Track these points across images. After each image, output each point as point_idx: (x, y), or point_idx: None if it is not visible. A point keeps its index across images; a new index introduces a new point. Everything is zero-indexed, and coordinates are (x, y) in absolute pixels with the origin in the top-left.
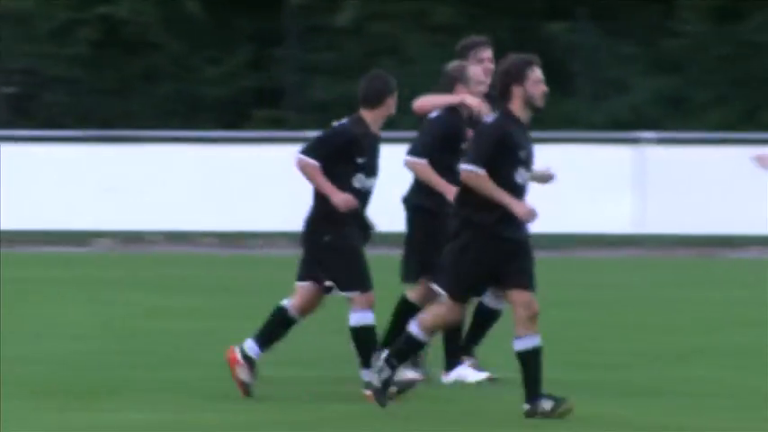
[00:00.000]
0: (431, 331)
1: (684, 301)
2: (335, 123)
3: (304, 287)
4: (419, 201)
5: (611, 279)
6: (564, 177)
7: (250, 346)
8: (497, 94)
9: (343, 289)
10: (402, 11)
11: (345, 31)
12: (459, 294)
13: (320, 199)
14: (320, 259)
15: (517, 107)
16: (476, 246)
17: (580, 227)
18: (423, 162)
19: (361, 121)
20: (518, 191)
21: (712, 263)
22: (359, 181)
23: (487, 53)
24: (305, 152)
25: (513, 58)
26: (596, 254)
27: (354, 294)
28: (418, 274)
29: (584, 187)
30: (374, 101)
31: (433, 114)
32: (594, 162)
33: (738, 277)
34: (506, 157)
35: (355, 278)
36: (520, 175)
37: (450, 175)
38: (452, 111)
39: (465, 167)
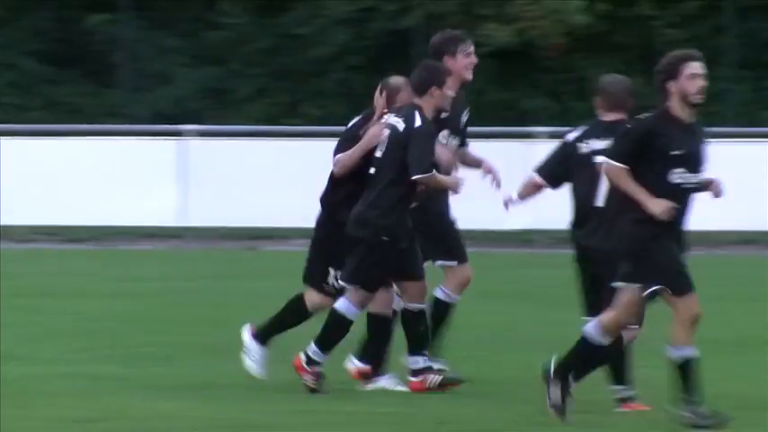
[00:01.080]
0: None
1: (230, 293)
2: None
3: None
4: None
5: (156, 271)
6: (107, 170)
7: (313, 350)
8: (657, 93)
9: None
10: None
11: None
12: (678, 284)
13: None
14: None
15: (675, 105)
16: (660, 234)
17: (124, 220)
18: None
19: (422, 111)
20: (675, 192)
21: (255, 255)
22: None
23: (473, 47)
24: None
25: (669, 54)
26: (140, 246)
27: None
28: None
29: (127, 180)
30: (419, 89)
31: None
32: (138, 155)
33: (282, 268)
34: (654, 155)
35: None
36: (678, 176)
37: None
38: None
39: (605, 161)
